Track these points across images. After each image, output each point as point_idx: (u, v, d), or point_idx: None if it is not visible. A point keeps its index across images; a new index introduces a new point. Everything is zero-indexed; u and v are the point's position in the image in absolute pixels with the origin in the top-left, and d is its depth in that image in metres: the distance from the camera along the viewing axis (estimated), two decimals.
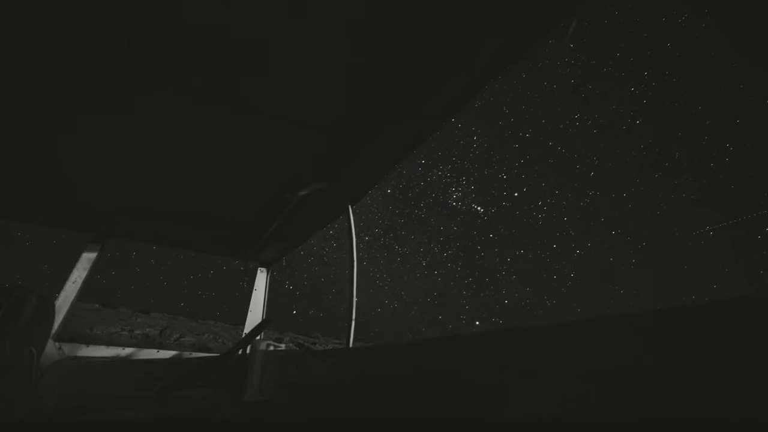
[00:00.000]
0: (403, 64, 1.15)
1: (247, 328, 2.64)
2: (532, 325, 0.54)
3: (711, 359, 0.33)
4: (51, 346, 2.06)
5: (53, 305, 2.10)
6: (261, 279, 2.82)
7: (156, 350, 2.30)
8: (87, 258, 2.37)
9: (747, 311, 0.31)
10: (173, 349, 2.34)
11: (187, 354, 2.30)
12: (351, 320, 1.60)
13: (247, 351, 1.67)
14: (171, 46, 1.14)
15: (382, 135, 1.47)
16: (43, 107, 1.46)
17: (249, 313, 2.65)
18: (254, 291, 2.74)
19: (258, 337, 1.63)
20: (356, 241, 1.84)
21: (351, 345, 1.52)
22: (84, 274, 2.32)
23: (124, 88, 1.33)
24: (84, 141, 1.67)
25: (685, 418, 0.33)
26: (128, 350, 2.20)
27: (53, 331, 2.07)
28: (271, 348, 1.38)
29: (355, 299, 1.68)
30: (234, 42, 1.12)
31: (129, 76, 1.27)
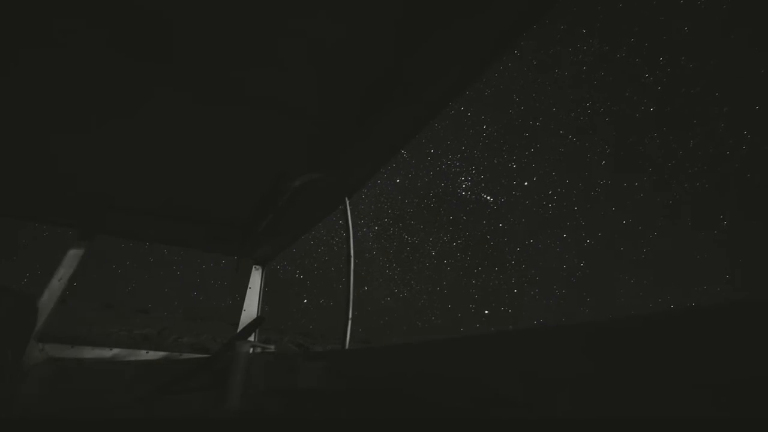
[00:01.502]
0: (400, 47, 1.06)
1: (241, 328, 2.54)
2: (538, 327, 0.53)
3: (714, 360, 0.33)
4: (33, 347, 1.97)
5: (35, 305, 2.01)
6: (256, 277, 2.71)
7: (145, 351, 2.21)
8: (73, 255, 2.27)
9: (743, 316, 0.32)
10: (170, 350, 2.25)
11: (176, 355, 2.20)
12: (347, 319, 1.50)
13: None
14: (156, 29, 1.06)
15: (379, 123, 1.38)
16: (25, 98, 1.38)
17: (243, 312, 2.55)
18: (248, 289, 2.64)
19: (251, 338, 1.53)
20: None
21: (347, 347, 1.42)
22: (70, 271, 2.23)
23: (111, 81, 1.26)
24: (70, 134, 1.58)
25: (687, 419, 0.33)
26: (115, 351, 2.11)
27: (36, 331, 1.97)
28: (258, 350, 1.27)
29: (352, 297, 1.58)
30: (220, 27, 1.04)
31: (116, 68, 1.20)
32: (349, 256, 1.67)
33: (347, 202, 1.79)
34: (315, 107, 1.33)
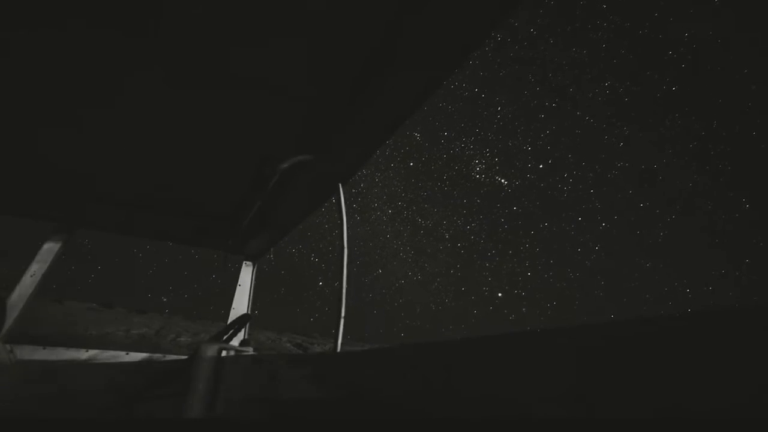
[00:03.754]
0: (397, 10, 0.93)
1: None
2: (540, 330, 0.52)
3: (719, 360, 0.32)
4: (0, 349, 1.82)
5: (3, 303, 1.86)
6: (246, 273, 2.56)
7: (125, 353, 2.06)
8: (48, 249, 2.12)
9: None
10: (168, 350, 2.10)
11: (158, 357, 2.05)
12: (340, 318, 1.35)
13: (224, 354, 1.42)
14: (135, 5, 0.95)
15: (374, 98, 1.23)
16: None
17: (232, 310, 2.40)
18: (238, 286, 2.48)
19: (228, 338, 1.38)
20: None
21: (339, 349, 1.27)
22: (45, 267, 2.08)
23: (90, 66, 1.16)
24: (47, 123, 1.45)
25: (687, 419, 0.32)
26: (91, 352, 1.95)
27: (4, 331, 1.82)
28: (231, 352, 1.12)
29: (344, 293, 1.42)
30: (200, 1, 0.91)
31: (95, 52, 1.10)
32: (343, 247, 1.51)
33: (341, 188, 1.64)
34: (303, 84, 1.19)
